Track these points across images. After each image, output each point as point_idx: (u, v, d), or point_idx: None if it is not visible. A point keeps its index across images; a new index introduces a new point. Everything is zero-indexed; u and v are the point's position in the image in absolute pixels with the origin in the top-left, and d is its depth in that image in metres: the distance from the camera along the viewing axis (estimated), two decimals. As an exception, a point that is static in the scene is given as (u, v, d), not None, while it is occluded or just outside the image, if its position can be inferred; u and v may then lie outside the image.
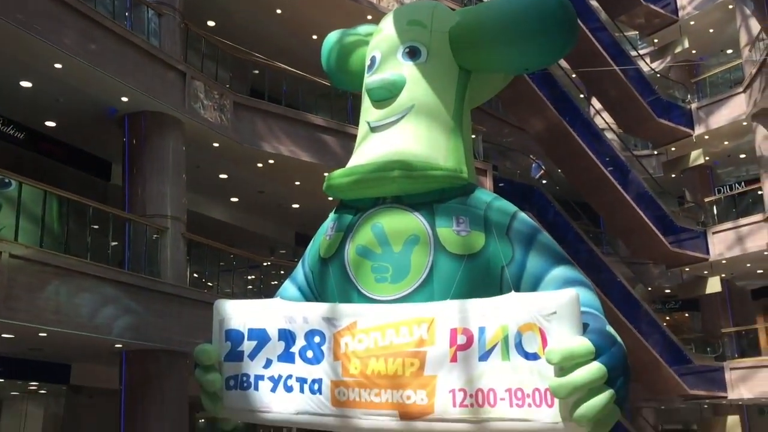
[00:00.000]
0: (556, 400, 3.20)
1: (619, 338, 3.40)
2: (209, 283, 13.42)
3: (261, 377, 4.00)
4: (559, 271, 3.90)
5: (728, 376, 19.15)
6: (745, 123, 19.93)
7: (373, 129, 4.28)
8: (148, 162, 11.27)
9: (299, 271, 4.65)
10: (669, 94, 22.97)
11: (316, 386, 3.84)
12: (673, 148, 22.37)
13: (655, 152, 23.94)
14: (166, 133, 11.49)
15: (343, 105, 14.96)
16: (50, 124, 12.19)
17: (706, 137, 21.50)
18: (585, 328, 3.34)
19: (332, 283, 4.18)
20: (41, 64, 10.01)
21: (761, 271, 20.63)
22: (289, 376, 3.92)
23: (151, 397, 10.51)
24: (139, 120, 11.38)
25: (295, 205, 16.10)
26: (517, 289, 3.80)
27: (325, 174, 4.42)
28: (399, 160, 3.99)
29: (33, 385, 14.69)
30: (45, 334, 9.35)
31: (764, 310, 23.63)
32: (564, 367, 3.15)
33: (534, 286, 3.86)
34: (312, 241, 4.61)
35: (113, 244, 11.04)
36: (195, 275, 13.30)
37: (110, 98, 11.02)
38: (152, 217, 11.06)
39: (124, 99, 10.97)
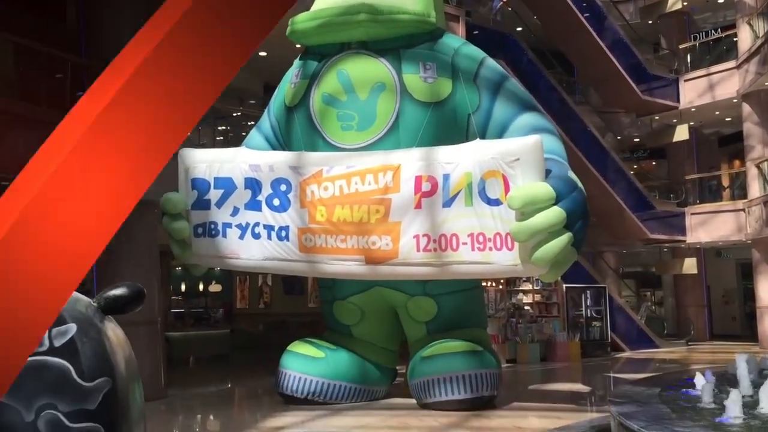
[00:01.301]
0: (516, 244, 3.30)
1: (580, 184, 3.45)
2: (178, 134, 13.23)
3: (229, 225, 4.05)
4: (526, 118, 3.90)
5: (688, 221, 19.83)
6: (726, -35, 19.36)
7: (338, -31, 4.08)
8: (105, 3, 10.70)
9: (265, 120, 4.59)
10: (651, -65, 22.02)
11: (283, 233, 3.90)
12: (651, -8, 21.78)
13: (633, -3, 23.28)
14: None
15: (310, -56, 14.17)
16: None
17: (686, -20, 20.92)
18: (548, 174, 3.39)
19: (298, 131, 4.15)
20: None
21: (729, 119, 20.82)
22: (257, 224, 3.97)
23: (119, 245, 10.63)
24: (92, -41, 10.68)
25: (263, 53, 15.60)
26: (483, 137, 3.81)
27: (291, 19, 4.25)
28: (365, 3, 3.85)
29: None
30: (7, 183, 9.26)
31: (729, 157, 24.11)
32: (525, 211, 3.22)
33: (500, 134, 3.86)
34: (277, 89, 4.52)
35: (79, 93, 10.71)
36: (162, 126, 13.07)
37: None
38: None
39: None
